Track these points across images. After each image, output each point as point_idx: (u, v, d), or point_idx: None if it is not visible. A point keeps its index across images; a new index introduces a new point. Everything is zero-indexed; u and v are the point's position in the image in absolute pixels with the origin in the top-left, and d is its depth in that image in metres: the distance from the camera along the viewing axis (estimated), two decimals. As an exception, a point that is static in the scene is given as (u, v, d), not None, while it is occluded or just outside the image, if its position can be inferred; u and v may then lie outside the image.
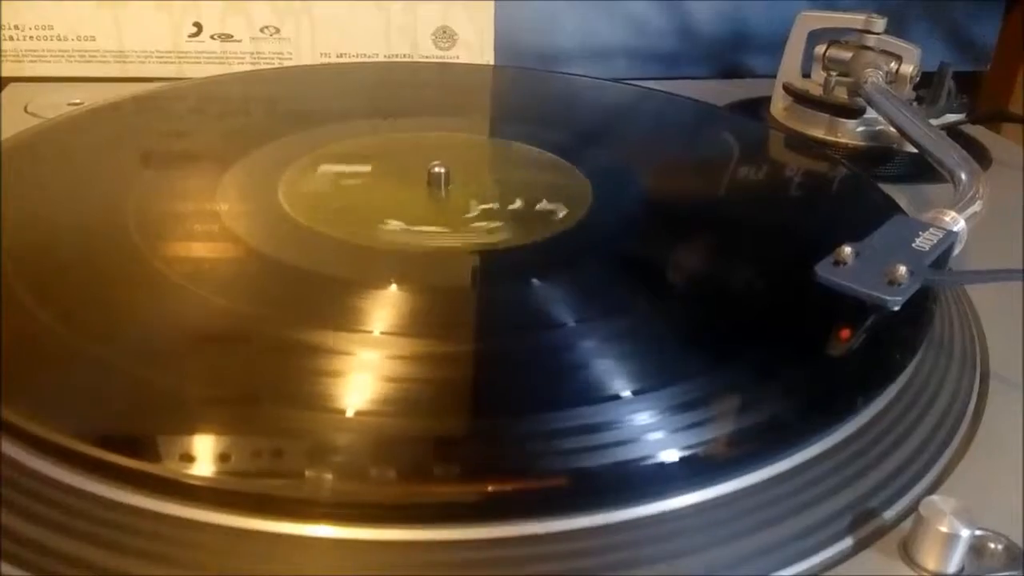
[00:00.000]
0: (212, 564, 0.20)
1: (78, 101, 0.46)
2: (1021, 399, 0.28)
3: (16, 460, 0.22)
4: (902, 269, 0.27)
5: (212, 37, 0.53)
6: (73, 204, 0.34)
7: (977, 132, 0.50)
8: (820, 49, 0.49)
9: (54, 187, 0.35)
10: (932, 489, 0.24)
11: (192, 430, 0.23)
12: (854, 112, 0.46)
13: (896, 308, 0.27)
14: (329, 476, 0.21)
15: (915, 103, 0.47)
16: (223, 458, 0.22)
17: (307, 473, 0.21)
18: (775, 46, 0.51)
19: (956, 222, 0.32)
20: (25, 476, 0.21)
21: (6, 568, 0.20)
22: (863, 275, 0.27)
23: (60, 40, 0.51)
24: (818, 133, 0.48)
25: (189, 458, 0.22)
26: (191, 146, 0.40)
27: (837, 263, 0.28)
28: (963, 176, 0.36)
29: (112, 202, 0.33)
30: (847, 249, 0.28)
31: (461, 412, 0.25)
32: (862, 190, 0.39)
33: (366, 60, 0.54)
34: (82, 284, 0.29)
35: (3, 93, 0.48)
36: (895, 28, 0.48)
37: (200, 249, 0.31)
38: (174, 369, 0.25)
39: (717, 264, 0.33)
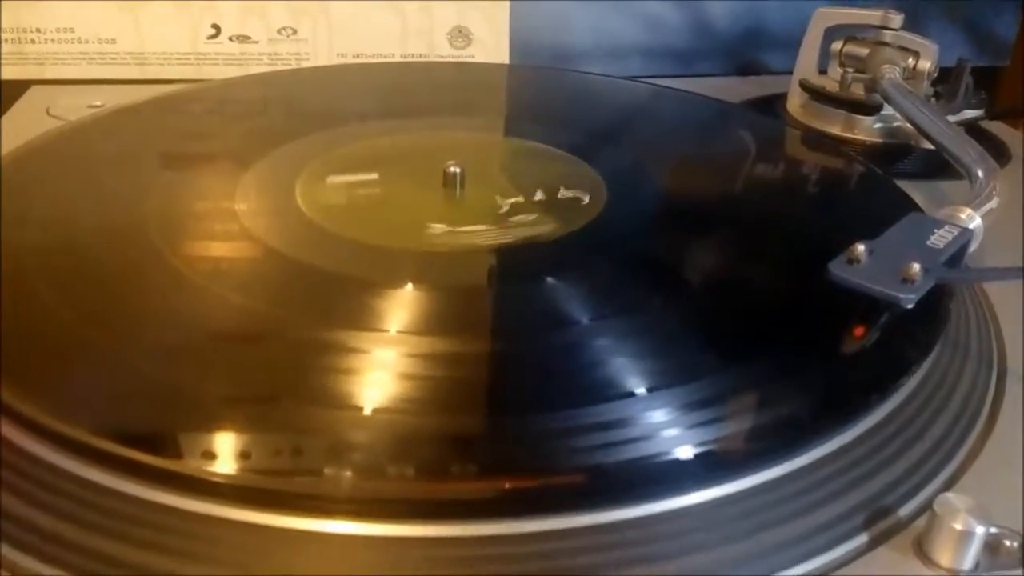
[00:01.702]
0: (230, 559, 0.20)
1: (99, 103, 0.46)
2: (1037, 397, 0.28)
3: (38, 456, 0.22)
4: (916, 267, 0.27)
5: (230, 39, 0.53)
6: (95, 205, 0.34)
7: (996, 128, 0.50)
8: (837, 46, 0.48)
9: (76, 188, 0.36)
10: (947, 486, 0.24)
11: (212, 427, 0.23)
12: (871, 109, 0.46)
13: (909, 306, 0.27)
14: (348, 473, 0.22)
15: (932, 99, 0.46)
16: (243, 455, 0.22)
17: (326, 470, 0.22)
18: (791, 43, 0.51)
19: (972, 219, 0.32)
20: (44, 470, 0.22)
21: (26, 561, 0.20)
22: (877, 273, 0.27)
23: (81, 43, 0.52)
24: (835, 130, 0.48)
25: (209, 455, 0.22)
26: (210, 147, 0.40)
27: (851, 261, 0.28)
28: (979, 173, 0.36)
29: (133, 203, 0.34)
30: (860, 247, 0.28)
31: (477, 409, 0.25)
32: (878, 187, 0.39)
33: (382, 60, 0.55)
34: (105, 284, 0.29)
35: (26, 95, 0.49)
36: (912, 24, 0.47)
37: (220, 248, 0.32)
38: (196, 367, 0.25)
39: (732, 262, 0.33)
